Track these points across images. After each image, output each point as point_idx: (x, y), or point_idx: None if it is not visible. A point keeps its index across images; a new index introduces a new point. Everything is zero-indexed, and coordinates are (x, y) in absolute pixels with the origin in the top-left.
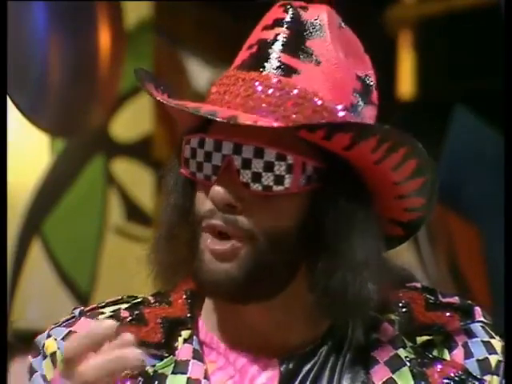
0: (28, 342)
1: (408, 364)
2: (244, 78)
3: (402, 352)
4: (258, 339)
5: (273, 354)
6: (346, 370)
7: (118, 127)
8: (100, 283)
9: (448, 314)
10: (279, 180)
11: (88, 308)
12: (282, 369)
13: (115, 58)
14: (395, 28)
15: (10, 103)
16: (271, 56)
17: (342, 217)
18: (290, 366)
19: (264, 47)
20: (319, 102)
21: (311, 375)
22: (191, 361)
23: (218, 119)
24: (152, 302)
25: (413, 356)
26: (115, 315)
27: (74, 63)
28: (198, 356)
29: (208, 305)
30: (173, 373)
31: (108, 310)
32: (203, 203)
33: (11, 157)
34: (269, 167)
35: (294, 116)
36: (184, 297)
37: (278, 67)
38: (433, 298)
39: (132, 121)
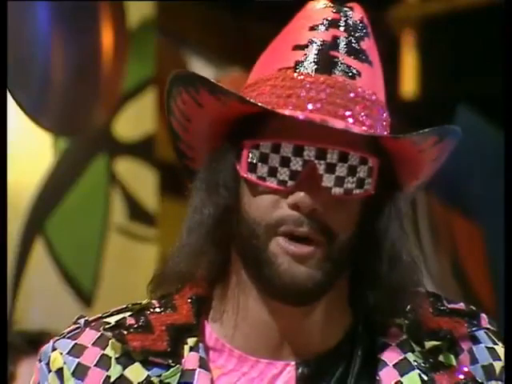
0: (32, 342)
1: (417, 368)
2: (312, 82)
3: (410, 356)
4: (279, 343)
5: (290, 357)
6: (357, 374)
7: (121, 126)
8: (103, 282)
9: (455, 319)
10: (360, 183)
11: (92, 318)
12: (298, 373)
13: (118, 57)
14: (398, 27)
15: (12, 103)
16: (336, 59)
17: (390, 215)
18: (306, 370)
19: (324, 49)
20: (381, 103)
21: (326, 379)
22: (197, 370)
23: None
24: (156, 306)
25: (421, 361)
26: (120, 324)
27: (77, 63)
28: (203, 365)
29: (220, 310)
30: (179, 382)
31: (113, 320)
32: (274, 208)
33: (14, 156)
34: (353, 171)
35: (364, 118)
36: (189, 301)
37: (344, 70)
38: (439, 303)
39: (135, 120)
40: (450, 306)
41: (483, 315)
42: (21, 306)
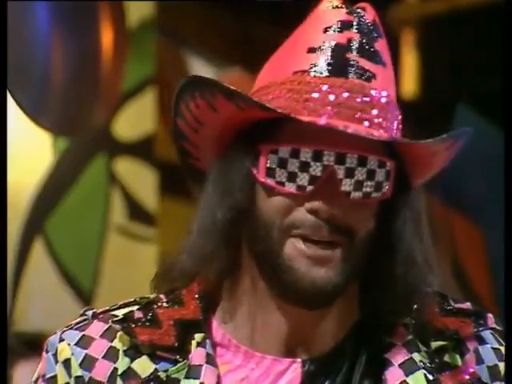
0: (31, 344)
1: (422, 368)
2: (330, 85)
3: (416, 356)
4: (286, 341)
5: (296, 355)
6: (362, 373)
7: (121, 126)
8: (102, 282)
9: (462, 319)
10: (378, 187)
11: (100, 310)
12: (304, 370)
13: (117, 57)
14: (398, 27)
15: (12, 102)
16: (351, 61)
17: (405, 217)
18: (312, 367)
19: (339, 52)
20: (394, 104)
21: (331, 377)
22: (204, 365)
23: (371, 137)
24: (164, 301)
25: (427, 361)
26: (129, 317)
27: (77, 62)
28: (210, 360)
29: (228, 307)
30: (186, 377)
31: (120, 313)
32: (290, 211)
33: (14, 156)
34: (371, 175)
35: (381, 121)
36: (197, 297)
37: (360, 73)
38: (445, 303)
39: (134, 120)
40: (456, 305)
41: (489, 315)
42: (20, 306)
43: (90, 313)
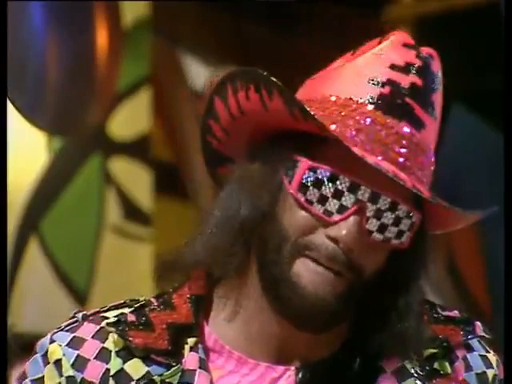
0: (28, 346)
1: (414, 376)
2: (383, 123)
3: (408, 364)
4: (280, 349)
5: (291, 362)
6: (356, 380)
7: (116, 126)
8: (97, 282)
9: (451, 327)
10: (400, 235)
11: (91, 312)
12: (298, 378)
13: (113, 57)
14: (393, 26)
15: (8, 102)
16: (409, 107)
17: (412, 266)
18: (307, 375)
19: (399, 93)
20: (433, 159)
21: None
22: (198, 370)
23: (407, 186)
24: (155, 305)
25: (418, 369)
26: (121, 320)
27: (72, 62)
28: (203, 365)
29: (222, 311)
30: (179, 382)
31: (111, 315)
32: (310, 231)
33: (9, 156)
34: (397, 222)
35: (420, 173)
36: (188, 301)
37: (413, 120)
38: (433, 311)
39: (129, 119)
40: (444, 313)
41: (477, 323)
42: (15, 305)
43: (79, 315)
